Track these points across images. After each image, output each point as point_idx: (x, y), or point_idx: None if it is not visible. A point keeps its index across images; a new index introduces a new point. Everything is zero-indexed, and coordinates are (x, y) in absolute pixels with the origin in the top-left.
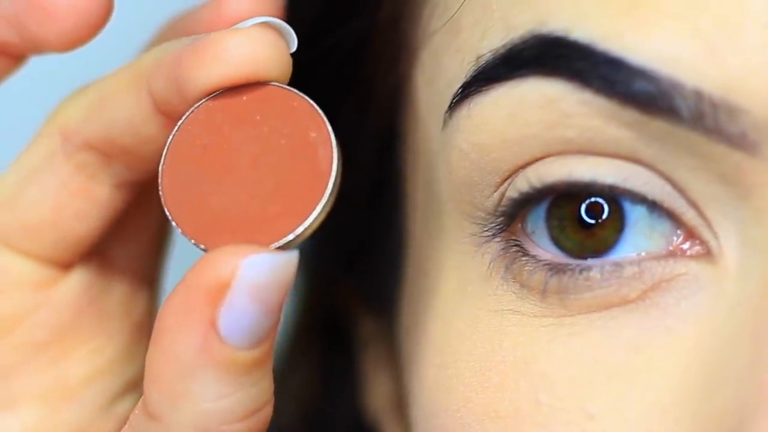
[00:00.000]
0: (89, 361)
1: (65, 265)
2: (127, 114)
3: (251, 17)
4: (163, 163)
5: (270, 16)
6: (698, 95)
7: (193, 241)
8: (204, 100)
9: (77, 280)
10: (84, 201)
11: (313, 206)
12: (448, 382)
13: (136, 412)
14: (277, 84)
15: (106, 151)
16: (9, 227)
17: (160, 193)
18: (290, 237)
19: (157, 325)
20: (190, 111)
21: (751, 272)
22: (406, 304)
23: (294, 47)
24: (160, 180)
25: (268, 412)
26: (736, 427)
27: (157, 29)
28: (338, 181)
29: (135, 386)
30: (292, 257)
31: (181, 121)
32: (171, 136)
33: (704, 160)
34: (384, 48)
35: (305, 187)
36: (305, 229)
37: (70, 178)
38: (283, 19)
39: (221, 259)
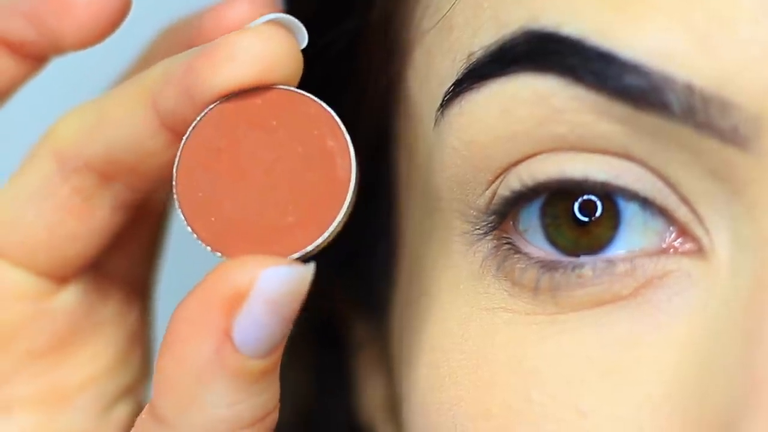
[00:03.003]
0: (85, 367)
1: (62, 279)
2: (130, 131)
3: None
4: (177, 167)
5: None
6: (689, 90)
7: (208, 248)
8: (217, 102)
9: (73, 292)
10: (80, 223)
11: (331, 218)
12: (440, 382)
13: (143, 416)
14: (290, 88)
15: (105, 172)
16: (6, 243)
17: (175, 198)
18: (308, 248)
19: (169, 330)
20: (203, 113)
21: (743, 269)
22: (399, 305)
23: (304, 43)
24: (174, 184)
25: (273, 418)
26: (727, 423)
27: (155, 35)
28: (356, 191)
29: (131, 392)
30: (309, 270)
31: (194, 123)
32: (184, 140)
33: (696, 155)
34: (376, 48)
35: (323, 196)
36: (323, 241)
37: (66, 201)
38: None
39: (239, 269)
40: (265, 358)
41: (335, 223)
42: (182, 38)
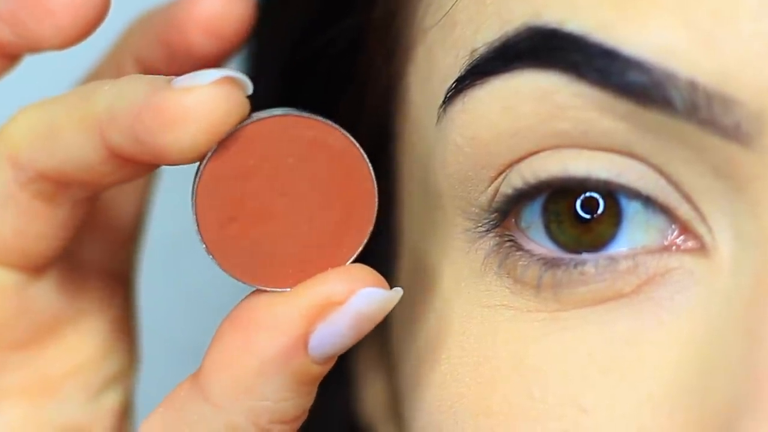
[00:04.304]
0: (70, 357)
1: (36, 270)
2: (80, 155)
3: (224, 15)
4: (207, 249)
5: (242, 13)
6: (692, 86)
7: (279, 290)
8: (199, 171)
9: (50, 281)
10: (45, 223)
11: (369, 196)
12: (441, 379)
13: (183, 393)
14: (252, 119)
15: (60, 182)
16: None
17: (225, 272)
18: (365, 240)
19: (244, 315)
20: (194, 191)
21: (745, 266)
22: (400, 303)
23: (250, 92)
24: (212, 259)
25: (303, 419)
26: (728, 421)
27: (127, 27)
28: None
29: (119, 380)
30: (398, 294)
31: (193, 205)
32: (196, 224)
33: (698, 152)
34: (378, 46)
35: (346, 183)
36: (373, 226)
37: (27, 206)
38: (256, 17)
39: (337, 281)
40: (324, 364)
41: (375, 199)
42: (155, 30)
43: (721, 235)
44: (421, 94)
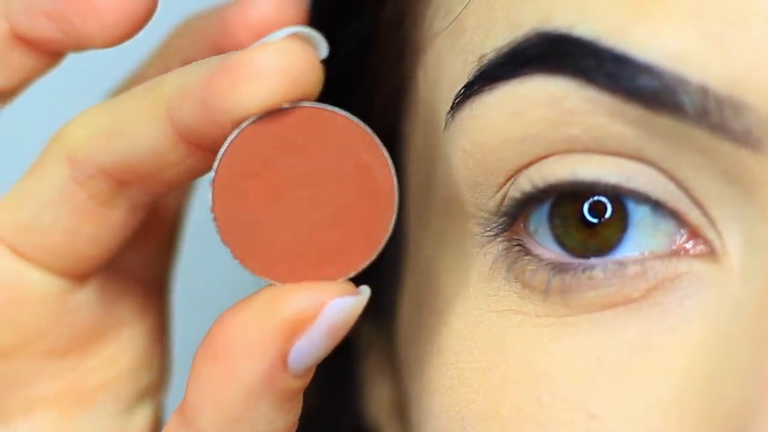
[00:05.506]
0: (105, 368)
1: (80, 278)
2: (147, 143)
3: (276, 19)
4: (213, 201)
5: (295, 16)
6: (703, 91)
7: (263, 278)
8: (242, 126)
9: (92, 290)
10: (97, 226)
11: (381, 235)
12: (449, 383)
13: (175, 426)
14: (315, 105)
15: (121, 179)
16: (25, 245)
17: (218, 231)
18: (363, 266)
19: (218, 345)
20: (229, 141)
21: (755, 271)
22: (407, 306)
23: (325, 54)
24: (213, 216)
25: (295, 427)
26: (739, 426)
27: (174, 29)
28: (399, 203)
29: (151, 394)
30: (367, 295)
31: (221, 153)
32: (214, 171)
33: (708, 157)
34: (387, 49)
35: (367, 212)
36: (375, 258)
37: (82, 207)
38: (308, 21)
39: (304, 296)
40: (305, 377)
41: (385, 239)
42: (204, 33)
43: (731, 240)
44: (429, 99)
